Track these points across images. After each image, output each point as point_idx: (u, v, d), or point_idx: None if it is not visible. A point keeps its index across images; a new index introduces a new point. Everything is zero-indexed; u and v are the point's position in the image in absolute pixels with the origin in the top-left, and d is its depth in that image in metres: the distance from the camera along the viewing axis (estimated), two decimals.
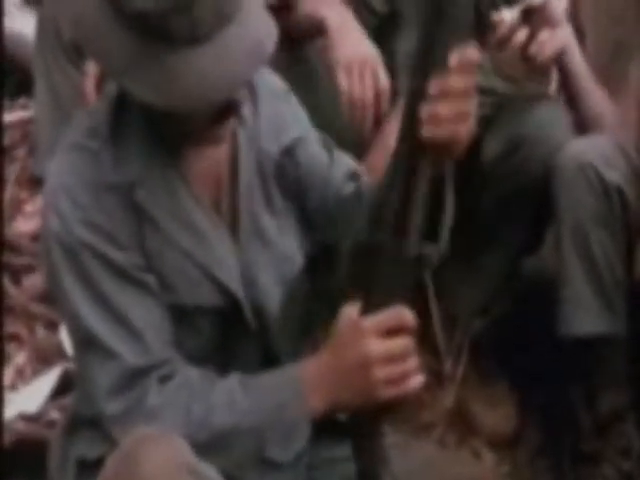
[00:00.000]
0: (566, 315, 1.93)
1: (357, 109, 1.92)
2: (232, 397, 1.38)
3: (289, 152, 1.51)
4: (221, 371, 1.45)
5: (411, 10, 2.07)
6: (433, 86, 1.26)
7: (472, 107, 1.29)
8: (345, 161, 1.56)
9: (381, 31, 2.09)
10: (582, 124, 2.00)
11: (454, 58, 1.25)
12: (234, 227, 1.47)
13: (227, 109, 1.36)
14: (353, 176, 1.54)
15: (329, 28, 1.99)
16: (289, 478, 1.41)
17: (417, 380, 1.35)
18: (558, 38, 1.92)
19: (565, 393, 2.04)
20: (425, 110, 1.27)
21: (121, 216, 1.39)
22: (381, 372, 1.33)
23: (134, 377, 1.38)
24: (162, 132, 1.41)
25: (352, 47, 1.95)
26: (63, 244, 1.38)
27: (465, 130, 1.29)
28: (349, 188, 1.52)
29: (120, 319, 1.39)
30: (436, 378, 2.21)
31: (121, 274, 1.39)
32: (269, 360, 1.49)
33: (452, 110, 1.26)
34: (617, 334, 1.92)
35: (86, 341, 1.40)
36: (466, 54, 1.26)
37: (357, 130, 1.94)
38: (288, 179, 1.51)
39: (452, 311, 2.19)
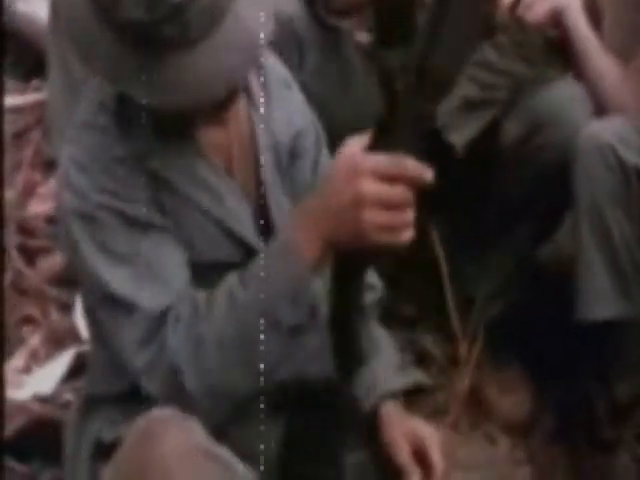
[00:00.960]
0: (583, 299, 1.91)
1: None
2: (233, 298, 1.35)
3: (297, 139, 1.54)
4: None
5: None
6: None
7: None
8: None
9: (401, 11, 2.06)
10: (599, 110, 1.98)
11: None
12: (246, 195, 1.49)
13: (228, 99, 1.37)
14: None
15: None
16: (316, 340, 1.36)
17: (408, 234, 1.25)
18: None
19: (581, 379, 2.03)
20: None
21: (135, 183, 1.40)
22: (372, 215, 1.24)
23: (156, 325, 1.38)
24: None
25: None
26: (79, 214, 1.39)
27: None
28: None
29: (140, 270, 1.39)
30: (451, 362, 2.20)
31: (140, 226, 1.39)
32: None
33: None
34: (635, 319, 1.91)
35: (109, 302, 1.40)
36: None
37: None
38: (295, 164, 1.53)
39: (468, 295, 2.18)
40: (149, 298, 1.38)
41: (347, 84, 2.06)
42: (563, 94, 1.98)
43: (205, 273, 1.43)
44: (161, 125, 1.41)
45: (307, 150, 1.56)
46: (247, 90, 1.50)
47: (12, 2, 3.04)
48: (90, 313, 1.48)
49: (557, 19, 1.98)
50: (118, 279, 1.39)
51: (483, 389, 2.18)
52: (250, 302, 1.34)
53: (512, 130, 2.01)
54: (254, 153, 1.50)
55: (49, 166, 2.65)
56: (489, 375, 2.18)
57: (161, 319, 1.38)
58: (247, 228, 1.47)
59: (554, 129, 1.96)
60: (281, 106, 1.54)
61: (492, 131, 2.02)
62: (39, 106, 2.87)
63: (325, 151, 1.59)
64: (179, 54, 1.29)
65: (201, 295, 1.39)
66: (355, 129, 1.35)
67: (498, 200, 2.08)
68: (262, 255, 1.36)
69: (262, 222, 1.50)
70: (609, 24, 2.04)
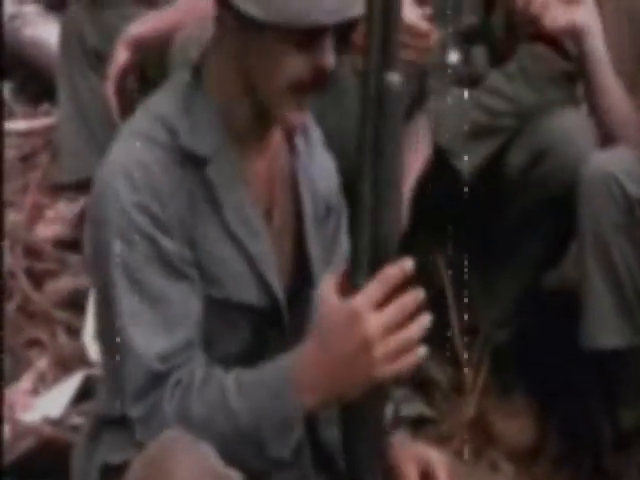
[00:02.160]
0: (588, 328, 1.92)
1: None
2: (227, 397, 1.35)
3: (332, 196, 1.55)
4: None
5: (441, 11, 2.06)
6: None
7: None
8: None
9: None
10: (596, 112, 1.99)
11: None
12: (281, 239, 1.49)
13: (308, 83, 1.38)
14: None
15: None
16: (296, 476, 1.39)
17: (421, 351, 1.26)
18: (574, 15, 1.91)
19: (586, 406, 2.04)
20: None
21: (177, 203, 1.39)
22: (383, 347, 1.24)
23: (156, 381, 1.38)
24: (230, 123, 1.43)
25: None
26: (117, 226, 1.38)
27: None
28: None
29: (157, 312, 1.38)
30: (456, 389, 2.20)
31: (168, 264, 1.38)
32: None
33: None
34: (639, 347, 1.92)
35: (119, 334, 1.39)
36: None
37: None
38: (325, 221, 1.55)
39: (473, 322, 2.19)
40: (158, 354, 1.37)
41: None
42: (568, 123, 2.00)
43: (227, 313, 1.43)
44: (220, 138, 1.42)
45: (335, 210, 1.57)
46: (289, 136, 1.51)
47: (21, 27, 3.07)
48: (103, 330, 1.47)
49: (576, 35, 1.96)
50: (136, 317, 1.38)
51: (487, 416, 2.18)
52: (239, 414, 1.34)
53: (517, 157, 2.03)
54: (293, 200, 1.51)
55: (56, 190, 2.67)
56: (494, 402, 2.19)
57: (162, 377, 1.37)
58: (274, 275, 1.46)
59: (558, 158, 1.97)
60: (319, 159, 1.56)
61: (498, 158, 2.04)
62: (47, 130, 2.89)
63: (345, 219, 1.58)
64: None
65: (200, 372, 1.38)
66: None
67: (503, 227, 2.09)
68: (264, 372, 1.36)
69: (296, 271, 1.49)
70: (615, 50, 2.05)
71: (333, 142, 1.60)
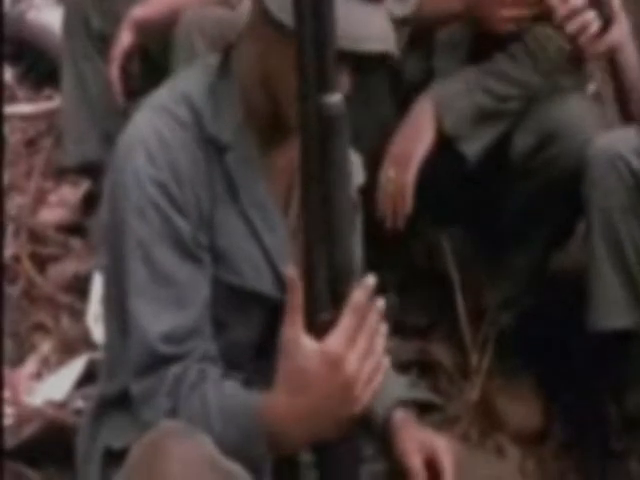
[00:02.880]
0: (594, 309, 1.91)
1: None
2: (208, 415, 1.32)
3: (356, 194, 1.53)
4: (257, 368, 1.43)
5: None
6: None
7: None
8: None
9: None
10: (630, 120, 1.99)
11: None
12: (295, 231, 1.46)
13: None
14: None
15: None
16: None
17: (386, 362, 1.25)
18: (612, 34, 1.88)
19: (593, 389, 2.03)
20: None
21: (195, 185, 1.38)
22: (361, 380, 1.24)
23: (158, 363, 1.37)
24: (252, 113, 1.42)
25: None
26: (134, 200, 1.36)
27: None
28: None
29: (166, 292, 1.36)
30: (462, 372, 2.20)
31: (181, 245, 1.37)
32: None
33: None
34: None
35: (128, 306, 1.38)
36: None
37: None
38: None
39: (479, 304, 2.18)
40: (163, 335, 1.36)
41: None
42: (575, 105, 1.99)
43: (242, 302, 1.42)
44: (243, 125, 1.40)
45: (357, 209, 1.54)
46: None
47: (24, 11, 3.06)
48: (112, 301, 1.45)
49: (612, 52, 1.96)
50: (147, 293, 1.36)
51: (493, 399, 2.17)
52: (220, 435, 1.30)
53: (524, 141, 2.01)
54: None
55: (60, 174, 2.66)
56: (500, 385, 2.18)
57: (163, 361, 1.36)
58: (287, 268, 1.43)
59: (566, 140, 1.96)
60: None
61: (504, 141, 2.03)
62: (51, 114, 2.88)
63: (360, 225, 1.57)
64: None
65: (193, 372, 1.35)
66: None
67: (510, 210, 2.08)
68: (236, 409, 1.32)
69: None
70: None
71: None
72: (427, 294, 2.29)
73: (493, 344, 2.17)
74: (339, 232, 1.23)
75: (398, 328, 2.00)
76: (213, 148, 1.40)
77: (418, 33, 2.01)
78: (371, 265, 1.79)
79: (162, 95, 1.44)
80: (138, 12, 2.24)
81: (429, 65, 2.08)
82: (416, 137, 2.00)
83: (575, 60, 2.03)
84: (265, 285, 1.43)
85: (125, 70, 2.25)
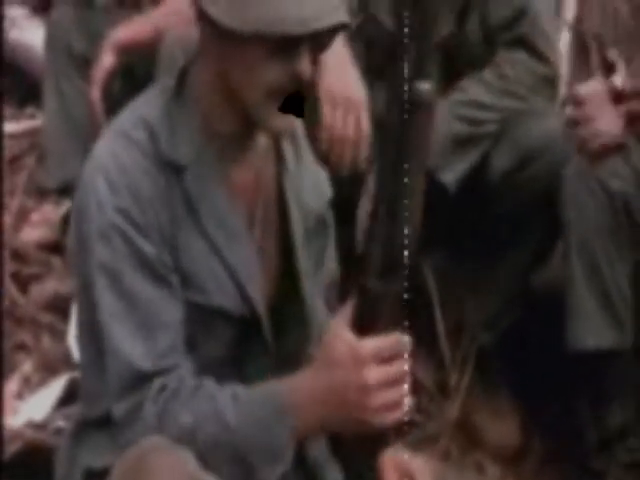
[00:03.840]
0: (572, 328, 1.93)
1: (335, 145, 1.93)
2: (221, 411, 1.36)
3: (326, 211, 1.55)
4: (232, 381, 1.44)
5: (417, 24, 2.08)
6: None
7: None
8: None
9: (390, 46, 2.10)
10: None
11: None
12: (261, 246, 1.49)
13: (293, 99, 1.38)
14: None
15: (325, 59, 2.00)
16: None
17: (404, 409, 1.32)
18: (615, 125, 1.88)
19: (571, 407, 2.05)
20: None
21: (157, 207, 1.40)
22: (377, 400, 1.30)
23: (139, 381, 1.38)
24: (212, 130, 1.43)
25: (342, 83, 1.96)
26: (97, 227, 1.38)
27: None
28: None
29: (139, 314, 1.39)
30: (441, 390, 2.21)
31: (148, 267, 1.39)
32: (283, 373, 1.50)
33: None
34: (623, 348, 1.93)
35: (102, 332, 1.39)
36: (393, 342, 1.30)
37: (332, 166, 1.93)
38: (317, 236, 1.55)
39: (458, 322, 2.20)
40: (141, 353, 1.38)
41: None
42: (550, 127, 2.01)
43: (209, 319, 1.44)
44: (201, 145, 1.42)
45: (328, 226, 1.57)
46: (277, 149, 1.51)
47: (7, 30, 3.06)
48: (85, 329, 1.47)
49: None
50: (118, 318, 1.38)
51: (473, 417, 2.19)
52: (232, 426, 1.34)
53: (501, 162, 2.03)
54: (279, 211, 1.51)
55: (42, 193, 2.66)
56: (479, 403, 2.19)
57: (146, 377, 1.37)
58: (255, 285, 1.46)
59: (542, 161, 1.99)
60: (312, 175, 1.55)
61: (483, 162, 2.05)
62: (33, 133, 2.88)
63: (333, 240, 1.60)
64: None
65: (190, 382, 1.38)
66: None
67: (490, 228, 2.10)
68: (260, 391, 1.37)
69: (282, 282, 1.50)
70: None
71: None
72: (407, 311, 2.30)
73: (473, 362, 2.19)
74: (405, 208, 1.27)
75: None
76: (171, 170, 1.42)
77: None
78: (351, 282, 1.82)
79: (121, 119, 1.46)
80: (120, 34, 2.25)
81: None
82: None
83: (548, 82, 2.06)
84: (230, 301, 1.45)
85: (106, 91, 2.26)
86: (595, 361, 1.94)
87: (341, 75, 1.99)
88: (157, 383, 1.38)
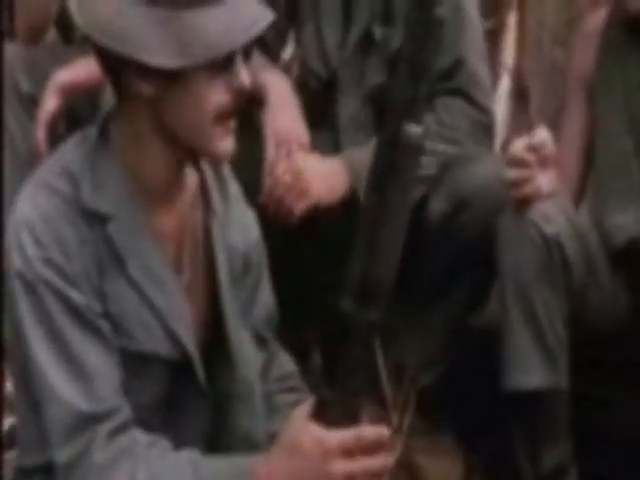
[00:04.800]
0: (509, 370, 1.96)
1: (276, 186, 1.97)
2: (180, 475, 1.38)
3: (251, 250, 1.58)
4: (167, 425, 1.46)
5: (349, 73, 2.13)
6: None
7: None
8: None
9: (324, 94, 2.15)
10: None
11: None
12: (191, 290, 1.51)
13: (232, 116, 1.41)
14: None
15: (270, 99, 2.04)
16: None
17: None
18: (552, 179, 1.91)
19: (509, 446, 2.07)
20: None
21: (82, 256, 1.41)
22: None
23: (83, 424, 1.39)
24: (137, 175, 1.45)
25: (285, 123, 2.01)
26: (24, 280, 1.40)
27: None
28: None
29: (73, 362, 1.40)
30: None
31: (78, 316, 1.41)
32: (218, 419, 1.51)
33: None
34: (558, 389, 1.96)
35: (41, 381, 1.41)
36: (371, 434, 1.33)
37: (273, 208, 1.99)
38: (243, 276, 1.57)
39: (399, 363, 2.22)
40: (81, 396, 1.39)
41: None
42: (486, 172, 2.05)
43: (140, 365, 1.45)
44: (125, 193, 1.43)
45: (254, 266, 1.60)
46: (204, 192, 1.53)
47: None
48: (21, 380, 1.49)
49: None
50: (55, 366, 1.40)
51: (414, 455, 2.21)
52: None
53: (438, 206, 2.07)
54: (207, 255, 1.53)
55: None
56: (420, 442, 2.21)
57: (90, 420, 1.39)
58: (186, 328, 1.48)
59: (477, 207, 2.02)
60: (237, 215, 1.58)
61: (420, 207, 2.08)
62: None
63: (266, 273, 1.63)
64: (203, 11, 1.34)
65: (144, 437, 1.40)
66: None
67: (428, 271, 2.13)
68: (223, 463, 1.39)
69: (212, 326, 1.53)
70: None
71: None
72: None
73: (414, 402, 2.21)
74: (382, 243, 1.32)
75: (319, 387, 2.02)
76: (95, 219, 1.43)
77: None
78: (294, 323, 1.84)
79: (44, 169, 1.47)
80: (63, 76, 2.26)
81: (336, 143, 2.14)
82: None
83: (483, 129, 2.10)
84: (160, 346, 1.47)
85: (52, 132, 2.27)
86: (530, 401, 1.97)
87: (286, 115, 2.03)
88: (103, 429, 1.39)
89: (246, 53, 1.41)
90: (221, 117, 1.41)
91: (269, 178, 1.99)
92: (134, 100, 1.42)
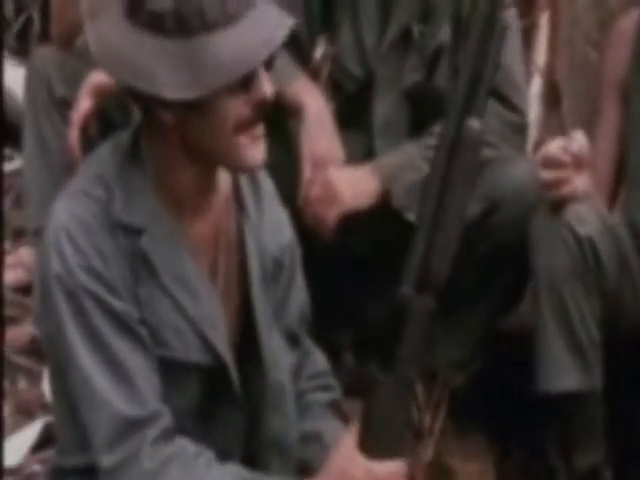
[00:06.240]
0: (542, 372, 1.95)
1: (309, 202, 1.99)
2: None
3: (284, 251, 1.58)
4: (202, 432, 1.46)
5: (386, 73, 2.13)
6: None
7: None
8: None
9: (359, 95, 2.15)
10: None
11: None
12: (224, 295, 1.51)
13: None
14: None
15: (306, 117, 2.05)
16: None
17: None
18: (586, 181, 1.91)
19: (543, 448, 2.06)
20: None
21: (119, 263, 1.42)
22: None
23: (129, 428, 1.39)
24: (168, 187, 1.45)
25: (322, 143, 2.03)
26: (65, 287, 1.40)
27: None
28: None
29: (116, 367, 1.41)
30: (415, 432, 2.22)
31: (120, 323, 1.41)
32: (250, 423, 1.52)
33: None
34: (592, 391, 1.95)
35: (85, 387, 1.41)
36: None
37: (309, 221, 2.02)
38: (276, 277, 1.58)
39: (431, 365, 2.22)
40: (126, 401, 1.40)
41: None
42: (520, 174, 2.04)
43: (175, 373, 1.45)
44: (158, 201, 1.43)
45: (286, 267, 1.60)
46: (237, 196, 1.53)
47: None
48: (59, 384, 1.48)
49: None
50: (96, 369, 1.40)
51: (446, 458, 2.20)
52: None
53: (471, 209, 2.05)
54: (240, 259, 1.53)
55: (18, 235, 2.67)
56: (452, 444, 2.21)
57: (134, 425, 1.39)
58: (219, 335, 1.48)
59: (510, 208, 2.02)
60: (270, 217, 1.58)
61: None
62: (10, 175, 2.89)
63: (299, 272, 1.64)
64: (218, 33, 1.33)
65: (191, 447, 1.41)
66: None
67: (461, 273, 2.12)
68: None
69: (244, 330, 1.53)
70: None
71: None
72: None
73: (446, 404, 2.21)
74: (442, 234, 1.40)
75: (353, 388, 2.02)
76: (128, 231, 1.43)
77: None
78: (326, 325, 1.84)
79: (78, 179, 1.47)
80: (97, 78, 2.27)
81: (369, 144, 2.14)
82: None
83: (517, 130, 2.10)
84: (194, 354, 1.47)
85: (85, 134, 2.28)
86: (564, 403, 1.96)
87: (323, 134, 2.04)
88: (149, 434, 1.39)
89: (268, 63, 1.40)
90: (244, 127, 1.40)
91: (302, 201, 2.01)
92: (158, 123, 1.42)
